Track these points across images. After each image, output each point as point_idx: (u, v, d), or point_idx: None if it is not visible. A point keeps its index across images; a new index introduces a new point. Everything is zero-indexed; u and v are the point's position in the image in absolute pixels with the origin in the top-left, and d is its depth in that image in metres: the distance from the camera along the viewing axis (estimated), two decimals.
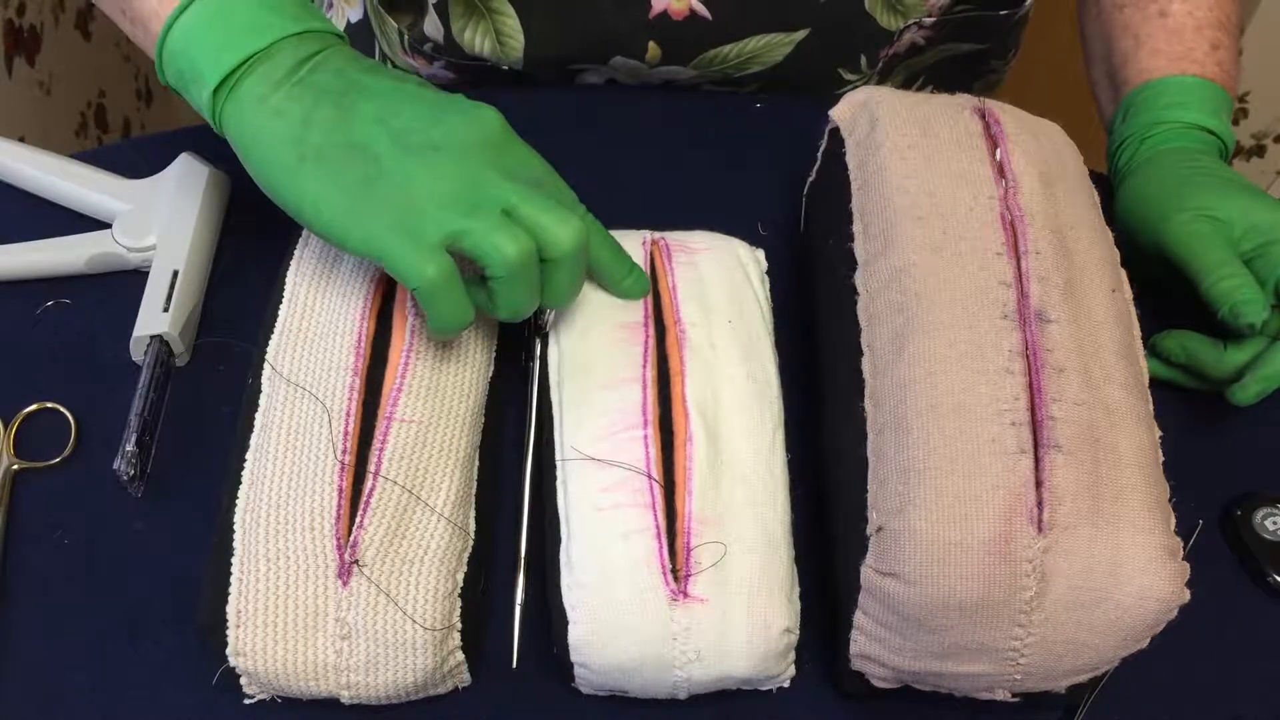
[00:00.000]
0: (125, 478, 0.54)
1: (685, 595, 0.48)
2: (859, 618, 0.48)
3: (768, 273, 0.61)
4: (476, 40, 0.75)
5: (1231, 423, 0.64)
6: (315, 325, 0.54)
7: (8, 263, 0.62)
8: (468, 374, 0.54)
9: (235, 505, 0.49)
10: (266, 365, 0.53)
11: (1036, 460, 0.46)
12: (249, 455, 0.51)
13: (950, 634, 0.46)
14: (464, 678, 0.51)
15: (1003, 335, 0.49)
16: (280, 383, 0.52)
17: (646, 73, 0.77)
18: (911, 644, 0.47)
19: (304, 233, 0.57)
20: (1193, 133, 0.66)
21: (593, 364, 0.54)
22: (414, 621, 0.47)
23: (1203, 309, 0.59)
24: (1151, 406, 0.50)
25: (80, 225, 0.64)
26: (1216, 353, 0.60)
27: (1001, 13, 0.82)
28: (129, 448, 0.54)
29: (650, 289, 0.56)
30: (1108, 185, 0.69)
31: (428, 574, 0.48)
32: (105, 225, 0.63)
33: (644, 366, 0.53)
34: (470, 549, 0.50)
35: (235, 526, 0.49)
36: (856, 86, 0.72)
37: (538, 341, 0.57)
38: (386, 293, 0.55)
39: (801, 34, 0.74)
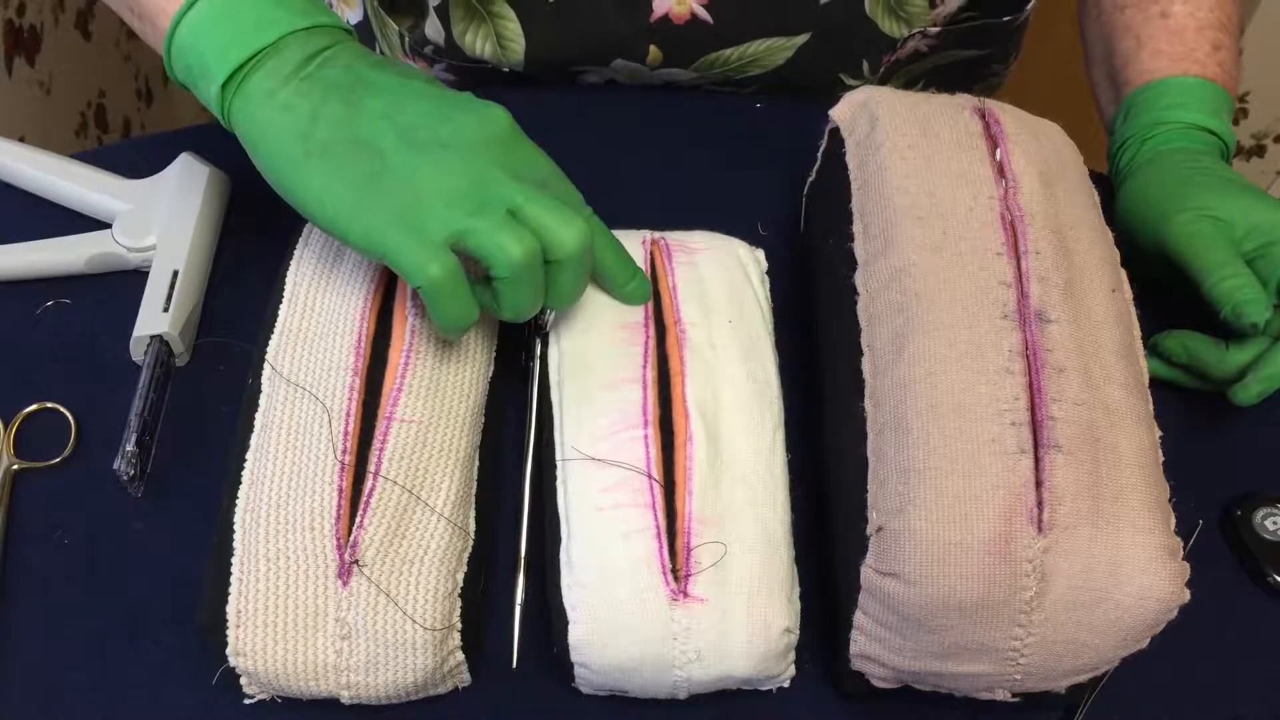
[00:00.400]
0: (125, 478, 0.54)
1: (685, 595, 0.48)
2: (859, 618, 0.48)
3: (768, 273, 0.61)
4: (477, 43, 0.75)
5: (1231, 423, 0.64)
6: (315, 325, 0.54)
7: (8, 263, 0.62)
8: (468, 374, 0.54)
9: (235, 505, 0.49)
10: (266, 365, 0.53)
11: (1036, 460, 0.46)
12: (249, 455, 0.51)
13: (950, 634, 0.46)
14: (464, 678, 0.51)
15: (1003, 335, 0.49)
16: (280, 383, 0.52)
17: (647, 75, 0.77)
18: (911, 644, 0.47)
19: (304, 232, 0.57)
20: (1194, 133, 0.66)
21: (593, 364, 0.54)
22: (414, 621, 0.47)
23: (1203, 309, 0.59)
24: (1151, 406, 0.50)
25: (80, 225, 0.64)
26: (1218, 353, 0.60)
27: (1004, 19, 0.82)
28: (129, 448, 0.54)
29: (652, 295, 0.56)
30: (1108, 185, 0.69)
31: (428, 574, 0.48)
32: (105, 225, 0.63)
33: (644, 366, 0.53)
34: (470, 549, 0.50)
35: (235, 526, 0.49)
36: None
37: (538, 341, 0.57)
38: (386, 292, 0.55)
39: (802, 38, 0.74)
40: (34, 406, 0.58)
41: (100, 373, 0.60)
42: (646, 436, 0.51)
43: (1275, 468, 0.62)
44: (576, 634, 0.48)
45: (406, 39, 0.81)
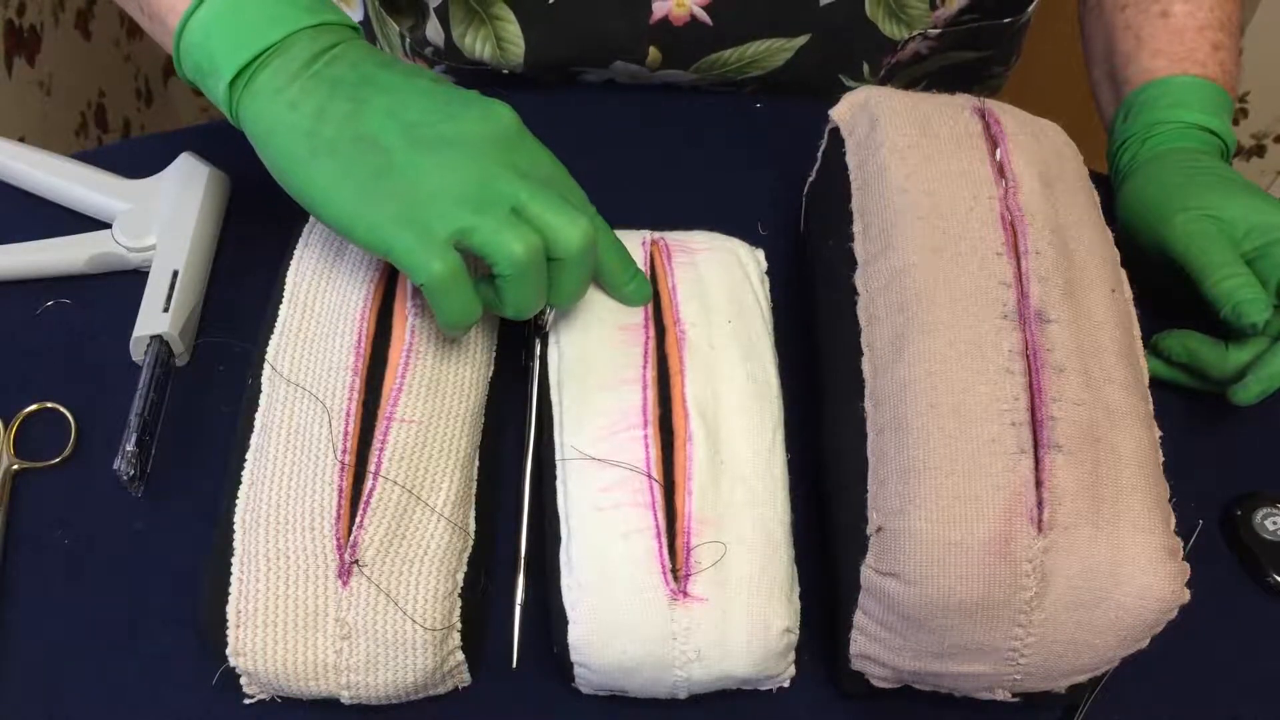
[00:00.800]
0: (125, 478, 0.54)
1: (685, 595, 0.48)
2: (859, 618, 0.48)
3: (768, 273, 0.61)
4: (477, 45, 0.75)
5: (1231, 423, 0.64)
6: (315, 325, 0.54)
7: (8, 263, 0.62)
8: (468, 374, 0.54)
9: (235, 505, 0.49)
10: (266, 365, 0.53)
11: (1036, 460, 0.46)
12: (249, 455, 0.51)
13: (950, 634, 0.46)
14: (464, 678, 0.51)
15: (1003, 335, 0.49)
16: (280, 383, 0.52)
17: (647, 76, 0.77)
18: (911, 644, 0.47)
19: (304, 232, 0.57)
20: (1194, 133, 0.66)
21: (593, 364, 0.54)
22: (414, 621, 0.47)
23: (1203, 309, 0.59)
24: (1151, 406, 0.50)
25: (80, 225, 0.64)
26: (1218, 352, 0.60)
27: (1005, 20, 0.82)
28: (129, 448, 0.54)
29: (652, 296, 0.56)
30: (1108, 185, 0.69)
31: (428, 574, 0.48)
32: (105, 225, 0.63)
33: (644, 367, 0.53)
34: (470, 549, 0.50)
35: (235, 526, 0.49)
36: None
37: (538, 341, 0.57)
38: (386, 292, 0.55)
39: (802, 40, 0.74)
40: (34, 406, 0.58)
41: (100, 373, 0.60)
42: (646, 436, 0.51)
43: (1275, 468, 0.62)
44: (576, 634, 0.48)
45: (407, 40, 0.81)
